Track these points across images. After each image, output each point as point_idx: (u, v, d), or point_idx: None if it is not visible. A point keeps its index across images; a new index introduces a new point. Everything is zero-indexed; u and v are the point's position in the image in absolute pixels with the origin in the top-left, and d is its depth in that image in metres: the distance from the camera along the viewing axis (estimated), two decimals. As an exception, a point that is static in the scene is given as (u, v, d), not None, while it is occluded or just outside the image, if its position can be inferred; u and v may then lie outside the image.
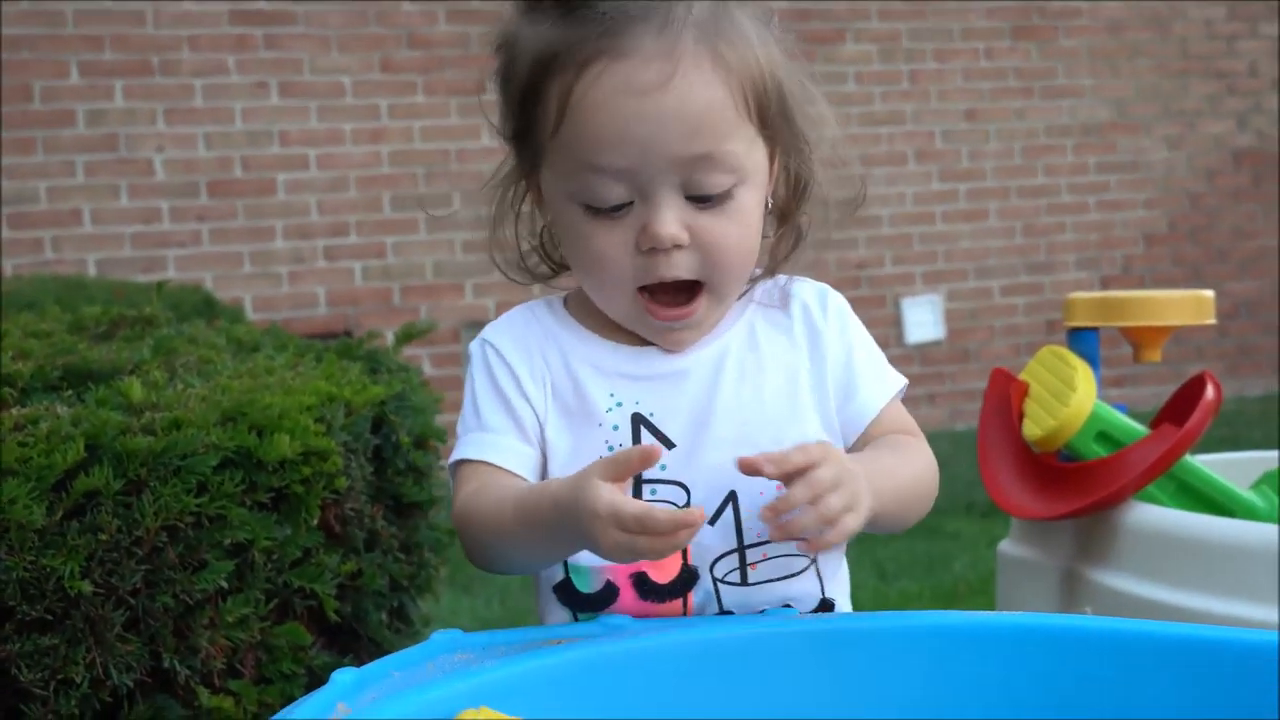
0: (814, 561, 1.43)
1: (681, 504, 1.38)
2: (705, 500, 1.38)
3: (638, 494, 1.38)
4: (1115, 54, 8.10)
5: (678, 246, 1.37)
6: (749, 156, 1.38)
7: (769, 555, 1.40)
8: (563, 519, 1.28)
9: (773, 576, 1.41)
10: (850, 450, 1.46)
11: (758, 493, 1.38)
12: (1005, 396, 2.57)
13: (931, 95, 7.61)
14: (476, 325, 6.80)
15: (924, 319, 7.53)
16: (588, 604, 1.41)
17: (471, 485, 1.43)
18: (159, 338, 2.46)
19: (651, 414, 1.42)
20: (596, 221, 1.37)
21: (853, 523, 1.27)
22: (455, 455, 1.48)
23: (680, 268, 1.38)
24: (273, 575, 1.90)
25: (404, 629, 2.26)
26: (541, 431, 1.45)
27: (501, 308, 7.01)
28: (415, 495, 2.33)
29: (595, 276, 1.41)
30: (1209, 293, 2.60)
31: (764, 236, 1.47)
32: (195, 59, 6.44)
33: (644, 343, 1.46)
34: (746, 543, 1.40)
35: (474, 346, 1.52)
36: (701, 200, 1.36)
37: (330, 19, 6.61)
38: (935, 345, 7.53)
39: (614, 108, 1.32)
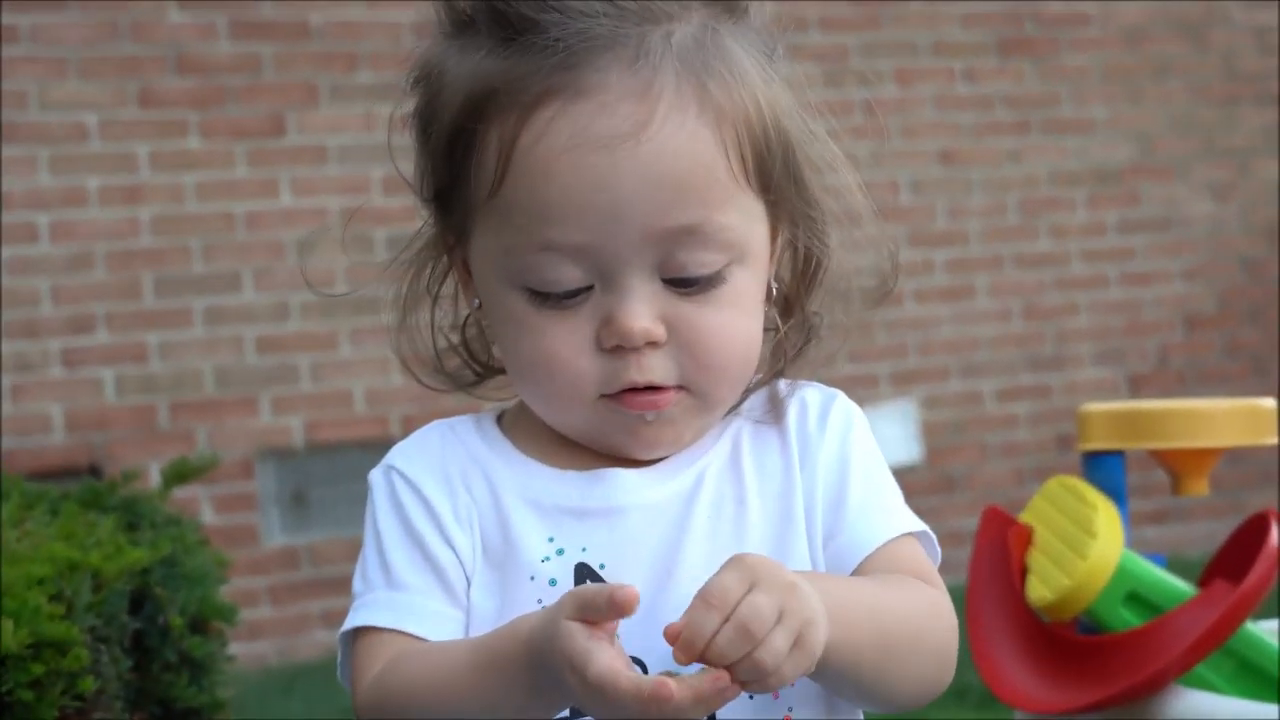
0: None
1: None
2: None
3: None
4: (1136, 73, 8.28)
5: (651, 344, 1.41)
6: (745, 229, 1.43)
7: None
8: (537, 666, 1.31)
9: None
10: None
11: None
12: (1003, 545, 2.60)
13: (894, 131, 7.73)
14: (277, 454, 6.77)
15: (891, 435, 7.59)
16: None
17: (384, 658, 1.45)
18: None
19: (601, 566, 1.45)
20: (544, 312, 1.42)
21: (794, 649, 1.29)
22: (356, 620, 1.50)
23: (655, 371, 1.43)
24: (-9, 819, 1.87)
25: None
26: (468, 588, 1.48)
27: (314, 428, 6.96)
28: (192, 699, 2.31)
29: (542, 383, 1.45)
30: (1270, 402, 2.65)
31: (765, 329, 1.52)
32: (-122, 91, 6.40)
33: (598, 464, 1.49)
34: None
35: (376, 477, 1.56)
36: (683, 284, 1.41)
37: (66, 33, 6.61)
38: (908, 470, 7.58)
39: (570, 164, 1.36)
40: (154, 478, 2.69)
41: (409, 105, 1.51)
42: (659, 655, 1.39)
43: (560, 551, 1.46)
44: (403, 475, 1.53)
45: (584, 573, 1.45)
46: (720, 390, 1.47)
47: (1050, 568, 2.50)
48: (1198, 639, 2.36)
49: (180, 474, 2.69)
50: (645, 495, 1.49)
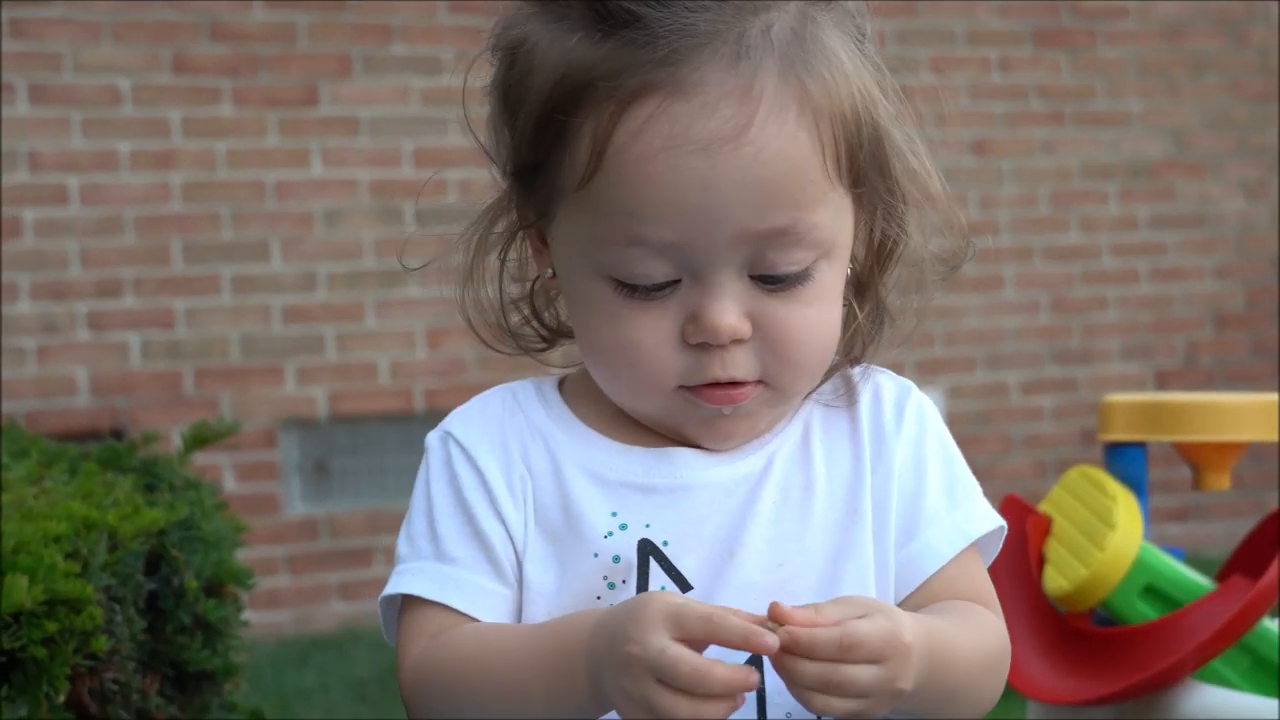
0: None
1: None
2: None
3: None
4: (1173, 68, 8.26)
5: (737, 341, 1.41)
6: (834, 225, 1.43)
7: None
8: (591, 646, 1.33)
9: None
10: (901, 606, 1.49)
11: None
12: (1020, 534, 2.60)
13: (927, 120, 7.71)
14: (300, 424, 6.78)
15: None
16: None
17: (429, 632, 1.47)
18: None
19: (665, 543, 1.45)
20: (630, 302, 1.41)
21: (864, 709, 1.31)
22: (401, 586, 1.50)
23: (738, 366, 1.43)
24: (0, 773, 1.88)
25: None
26: (519, 566, 1.48)
27: (338, 400, 6.97)
28: (205, 662, 2.32)
29: (621, 370, 1.45)
30: (1293, 397, 2.65)
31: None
32: (-87, 49, 6.42)
33: (664, 443, 1.49)
34: (770, 717, 1.43)
35: (432, 441, 1.56)
36: (771, 281, 1.41)
37: (103, -2, 6.62)
38: (930, 460, 7.57)
39: (668, 164, 1.35)
40: (176, 443, 2.69)
41: (488, 72, 1.50)
42: None
43: (624, 526, 1.46)
44: (459, 443, 1.53)
45: (647, 549, 1.45)
46: (799, 384, 1.48)
47: (1068, 558, 2.50)
48: (1214, 634, 2.36)
49: (200, 438, 2.69)
50: (712, 475, 1.49)
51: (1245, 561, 2.51)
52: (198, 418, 2.98)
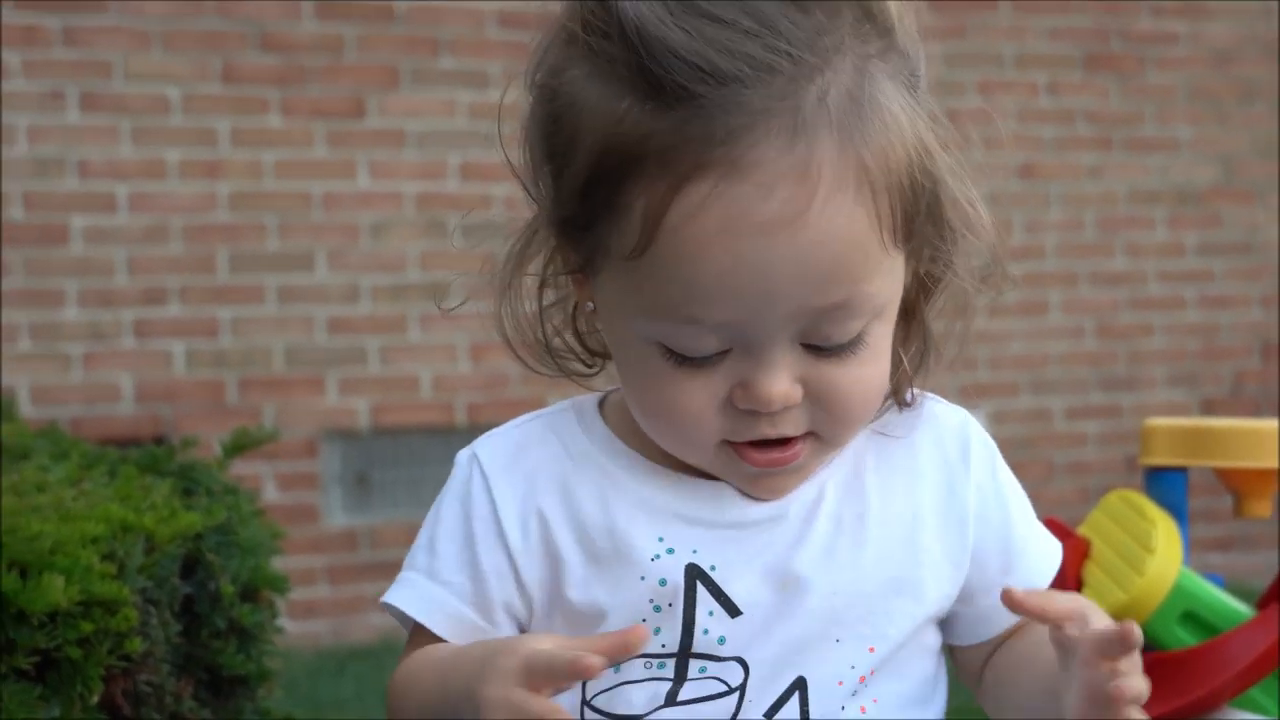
0: None
1: (735, 685, 1.42)
2: (766, 685, 1.42)
3: (683, 670, 1.42)
4: (1222, 95, 8.23)
5: (787, 407, 1.38)
6: (889, 289, 1.39)
7: None
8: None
9: None
10: (1000, 639, 1.53)
11: (835, 682, 1.42)
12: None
13: (974, 143, 7.70)
14: (342, 435, 6.79)
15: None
16: None
17: (410, 646, 1.51)
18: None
19: (713, 568, 1.44)
20: (676, 368, 1.37)
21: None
22: (390, 597, 1.53)
23: (788, 424, 1.39)
24: (32, 773, 1.88)
25: None
26: (519, 592, 1.48)
27: (380, 412, 7.00)
28: (239, 667, 2.32)
29: (664, 426, 1.42)
30: (1336, 425, 2.63)
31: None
32: (-35, 55, 6.45)
33: (711, 477, 1.47)
34: None
35: (460, 459, 1.56)
36: (823, 349, 1.37)
37: (152, 8, 6.65)
38: (971, 484, 7.55)
39: (724, 248, 1.30)
40: (215, 449, 2.70)
41: (530, 109, 1.45)
42: (764, 663, 1.42)
43: (670, 551, 1.44)
44: (481, 469, 1.52)
45: (694, 573, 1.43)
46: (848, 435, 1.46)
47: (1106, 582, 2.48)
48: (1253, 662, 2.35)
49: (240, 445, 2.70)
50: (761, 511, 1.47)
51: (1285, 590, 2.49)
52: (240, 426, 2.99)
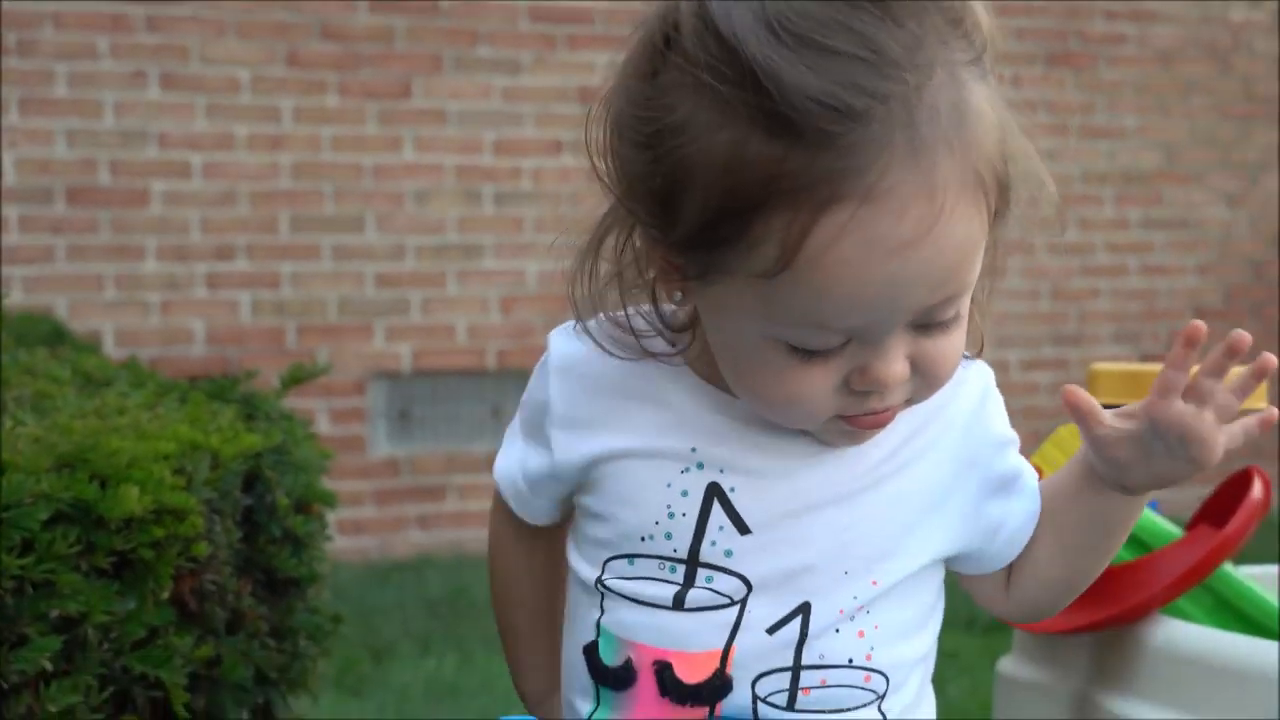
0: (880, 697, 1.41)
1: (738, 599, 1.38)
2: (770, 604, 1.37)
3: (690, 579, 1.38)
4: (1166, 90, 8.20)
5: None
6: (979, 267, 1.32)
7: (828, 683, 1.38)
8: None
9: (826, 708, 1.39)
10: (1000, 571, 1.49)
11: (837, 610, 1.38)
12: (1012, 484, 2.58)
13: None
14: (387, 376, 6.79)
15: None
16: (608, 677, 1.42)
17: (494, 518, 1.60)
18: (-12, 364, 2.45)
19: (732, 489, 1.39)
20: (802, 363, 1.30)
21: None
22: (501, 445, 1.55)
23: (895, 398, 1.34)
24: (109, 657, 1.88)
25: (269, 733, 2.24)
26: (554, 474, 1.47)
27: (421, 356, 6.97)
28: (292, 570, 2.32)
29: (777, 410, 1.35)
30: (1260, 370, 2.62)
31: None
32: (59, 39, 6.44)
33: (754, 414, 1.40)
34: (804, 663, 1.38)
35: (550, 338, 1.48)
36: (928, 328, 1.31)
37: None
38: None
39: (863, 267, 1.22)
40: (275, 384, 2.70)
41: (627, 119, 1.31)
42: (768, 585, 1.38)
43: (700, 465, 1.39)
44: (549, 360, 1.47)
45: (713, 491, 1.38)
46: (931, 395, 1.38)
47: (1054, 506, 2.47)
48: (1181, 575, 2.34)
49: (296, 378, 2.69)
50: (795, 450, 1.40)
51: (1211, 513, 2.48)
52: (297, 362, 3.00)
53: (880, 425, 1.36)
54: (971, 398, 1.46)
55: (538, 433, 1.47)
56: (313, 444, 2.54)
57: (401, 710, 4.39)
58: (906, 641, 1.43)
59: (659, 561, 1.39)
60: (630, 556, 1.40)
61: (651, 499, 1.40)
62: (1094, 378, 2.68)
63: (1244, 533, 2.34)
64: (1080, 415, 1.36)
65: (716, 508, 1.39)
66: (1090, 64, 8.05)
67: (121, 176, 6.51)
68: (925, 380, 1.34)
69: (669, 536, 1.39)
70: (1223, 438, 1.37)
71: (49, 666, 1.78)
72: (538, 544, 1.59)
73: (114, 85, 6.50)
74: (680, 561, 1.38)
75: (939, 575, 1.48)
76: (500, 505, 1.58)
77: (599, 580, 1.42)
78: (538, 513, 1.53)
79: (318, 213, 6.76)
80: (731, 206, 1.23)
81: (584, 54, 7.04)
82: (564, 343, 1.47)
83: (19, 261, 6.37)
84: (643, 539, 1.39)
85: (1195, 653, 2.28)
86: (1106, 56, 8.09)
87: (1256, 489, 2.41)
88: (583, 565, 1.44)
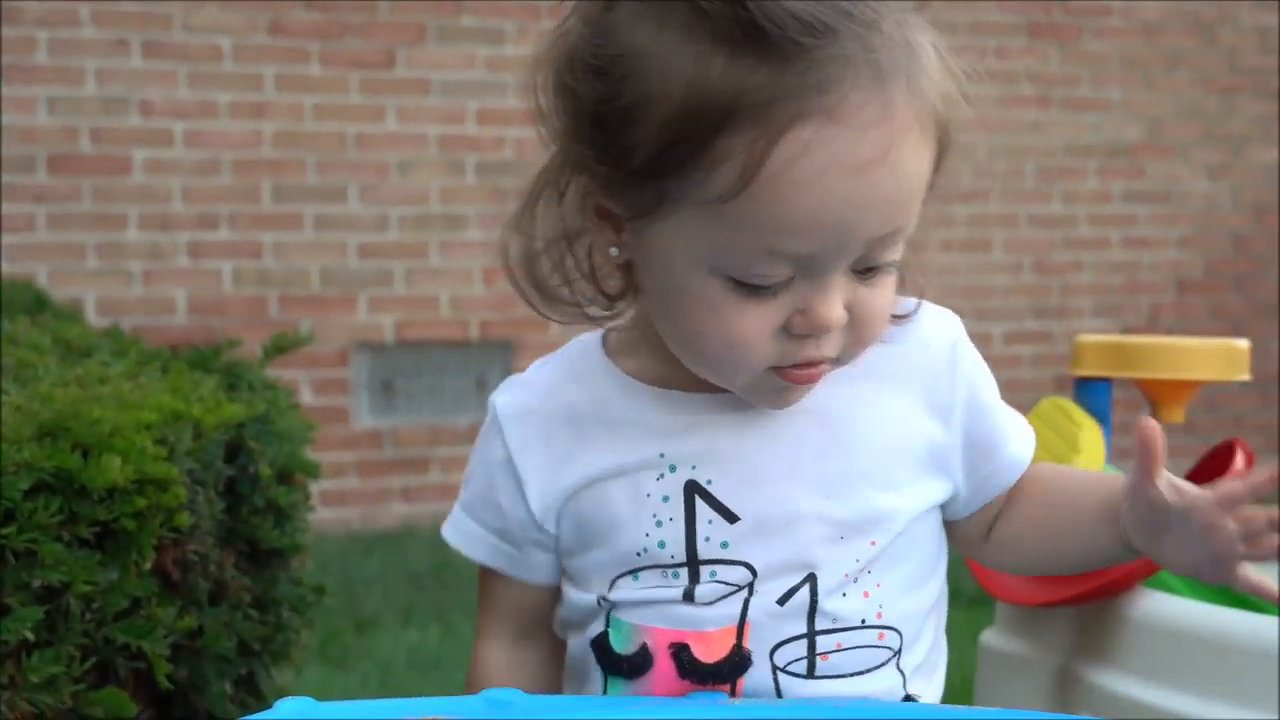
0: (897, 654, 1.42)
1: (745, 584, 1.38)
2: (775, 580, 1.38)
3: (695, 577, 1.39)
4: (1150, 63, 8.20)
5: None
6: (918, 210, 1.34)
7: (844, 646, 1.40)
8: None
9: (846, 671, 1.40)
10: (980, 515, 1.50)
11: (842, 574, 1.39)
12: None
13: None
14: (370, 347, 6.78)
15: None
16: (622, 666, 1.42)
17: (481, 583, 1.53)
18: (-31, 333, 2.43)
19: (709, 481, 1.40)
20: (743, 300, 1.30)
21: None
22: (444, 528, 1.53)
23: (829, 348, 1.34)
24: (92, 628, 1.88)
25: (252, 703, 2.24)
26: (536, 528, 1.46)
27: (404, 327, 6.97)
28: (275, 540, 2.31)
29: (715, 355, 1.35)
30: (1243, 343, 2.62)
31: None
32: (41, 7, 6.40)
33: (699, 387, 1.41)
34: (818, 628, 1.39)
35: (490, 400, 1.50)
36: (866, 272, 1.33)
37: (210, -33, 6.60)
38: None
39: (822, 188, 1.24)
40: (258, 353, 2.69)
41: (559, 53, 1.34)
42: (770, 564, 1.39)
43: (673, 469, 1.40)
44: (498, 417, 1.48)
45: (693, 489, 1.40)
46: (860, 354, 1.39)
47: (1037, 478, 2.48)
48: (1164, 549, 2.34)
49: (279, 347, 2.68)
50: (758, 427, 1.41)
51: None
52: (280, 332, 2.99)
53: (810, 380, 1.36)
54: (941, 348, 1.47)
55: (500, 495, 1.47)
56: (296, 414, 2.54)
57: (385, 681, 4.39)
58: (913, 594, 1.44)
59: (660, 571, 1.40)
60: (634, 571, 1.41)
61: (636, 514, 1.41)
62: (1079, 350, 2.69)
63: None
64: (1144, 459, 1.35)
65: (700, 504, 1.40)
66: (1074, 36, 8.04)
67: (104, 144, 6.49)
68: (857, 334, 1.34)
69: (662, 545, 1.40)
70: (1242, 570, 1.36)
71: (31, 636, 1.78)
72: (527, 655, 1.55)
73: (96, 53, 6.47)
74: (680, 565, 1.39)
75: (936, 520, 1.49)
76: (483, 619, 1.54)
77: (602, 598, 1.43)
78: (536, 567, 1.50)
79: (300, 182, 6.74)
80: (691, 127, 1.24)
81: (568, 24, 7.01)
82: (507, 397, 1.49)
83: (1, 230, 6.35)
84: (638, 554, 1.40)
85: (1177, 625, 2.28)
86: (1091, 28, 8.08)
87: (1239, 461, 2.41)
88: (584, 596, 1.45)
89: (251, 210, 6.69)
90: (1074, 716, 1.39)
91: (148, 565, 1.94)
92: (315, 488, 2.64)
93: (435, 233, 6.90)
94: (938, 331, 1.49)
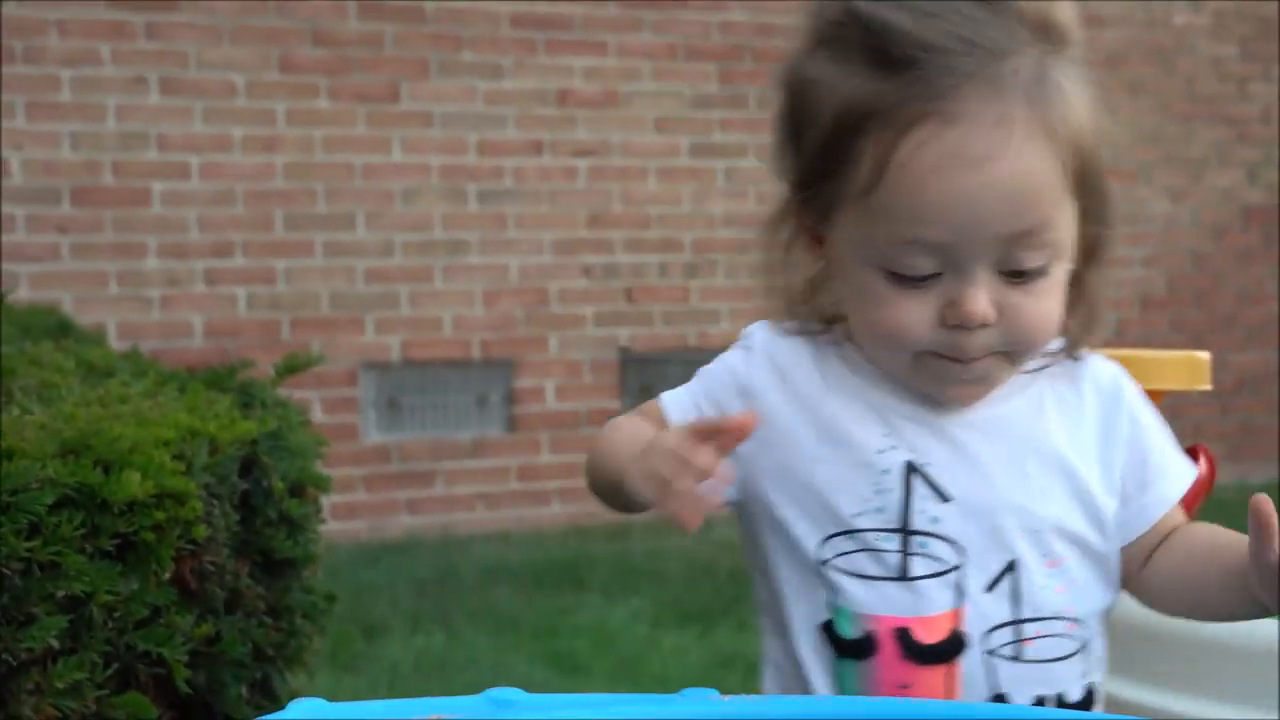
0: (1084, 645, 1.51)
1: (953, 565, 1.47)
2: (982, 565, 1.47)
3: (906, 544, 1.47)
4: (1113, 90, 8.17)
5: (984, 325, 1.43)
6: (1066, 230, 1.44)
7: (1044, 634, 1.48)
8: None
9: (1046, 656, 1.49)
10: (1136, 546, 1.55)
11: (1039, 566, 1.48)
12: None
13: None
14: (377, 366, 6.77)
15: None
16: (847, 651, 1.49)
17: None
18: (-5, 356, 2.43)
19: (928, 464, 1.49)
20: (899, 291, 1.43)
21: None
22: (665, 394, 1.57)
23: (983, 346, 1.44)
24: (114, 636, 1.87)
25: (267, 706, 2.23)
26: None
27: (409, 347, 6.97)
28: (288, 551, 2.31)
29: (885, 344, 1.47)
30: (1204, 354, 2.62)
31: None
32: (63, 46, 6.40)
33: (927, 399, 1.51)
34: (1024, 616, 1.48)
35: (750, 331, 1.58)
36: (1015, 275, 1.42)
37: (221, 7, 6.60)
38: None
39: (942, 178, 1.37)
40: (270, 373, 2.69)
41: (778, 106, 1.49)
42: (976, 547, 1.47)
43: (894, 447, 1.49)
44: (756, 346, 1.55)
45: (911, 469, 1.49)
46: (1028, 356, 1.49)
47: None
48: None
49: (291, 367, 2.68)
50: (963, 421, 1.50)
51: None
52: (291, 352, 2.99)
53: (964, 361, 1.45)
54: (1104, 390, 1.57)
55: (728, 407, 1.51)
56: (307, 430, 2.53)
57: (393, 685, 4.38)
58: (1097, 593, 1.53)
59: (875, 534, 1.48)
60: (850, 532, 1.48)
61: (859, 479, 1.49)
62: (1048, 364, 2.68)
63: (1192, 506, 2.34)
64: (1258, 529, 1.37)
65: (917, 480, 1.49)
66: (1042, 67, 8.06)
67: (123, 177, 6.48)
68: (1012, 335, 1.44)
69: (880, 510, 1.48)
70: None
71: (56, 645, 1.77)
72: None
73: (116, 90, 6.47)
74: (895, 531, 1.47)
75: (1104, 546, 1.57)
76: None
77: (824, 562, 1.49)
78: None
79: (310, 211, 6.74)
80: (841, 128, 1.40)
81: (563, 58, 7.03)
82: (767, 336, 1.56)
83: (27, 259, 6.34)
84: (856, 514, 1.48)
85: (1141, 626, 2.27)
86: (1057, 60, 8.09)
87: (1201, 466, 2.40)
88: (803, 544, 1.49)
89: (264, 238, 6.68)
90: (1076, 714, 1.41)
91: (167, 575, 1.93)
92: (326, 501, 2.64)
93: (438, 257, 6.90)
94: (1105, 373, 1.59)
